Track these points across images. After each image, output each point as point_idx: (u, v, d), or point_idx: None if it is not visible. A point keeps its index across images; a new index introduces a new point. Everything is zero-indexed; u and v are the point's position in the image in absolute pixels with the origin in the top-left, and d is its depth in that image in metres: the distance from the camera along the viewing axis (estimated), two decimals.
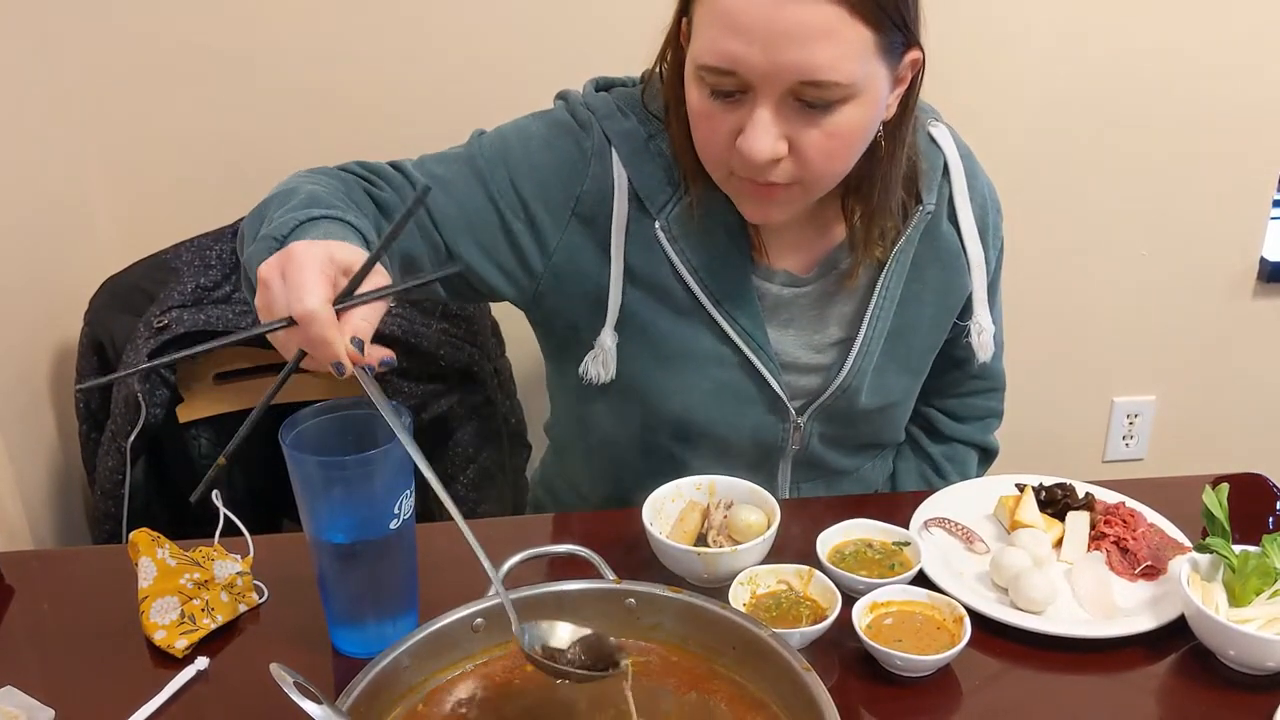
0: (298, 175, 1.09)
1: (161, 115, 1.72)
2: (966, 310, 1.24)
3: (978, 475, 1.43)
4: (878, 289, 1.17)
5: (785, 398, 1.20)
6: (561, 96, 1.18)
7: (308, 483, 0.92)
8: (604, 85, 1.18)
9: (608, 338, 1.16)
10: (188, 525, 1.53)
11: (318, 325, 0.78)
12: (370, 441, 0.92)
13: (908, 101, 1.07)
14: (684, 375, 1.18)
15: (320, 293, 0.78)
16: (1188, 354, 2.19)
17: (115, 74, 1.68)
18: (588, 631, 0.84)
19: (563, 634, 0.84)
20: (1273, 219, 2.11)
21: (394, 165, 1.14)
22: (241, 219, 1.50)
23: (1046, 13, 1.86)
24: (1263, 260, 2.11)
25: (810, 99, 0.96)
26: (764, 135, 0.97)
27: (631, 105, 1.14)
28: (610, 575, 0.94)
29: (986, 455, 1.44)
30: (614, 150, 1.12)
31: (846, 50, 0.94)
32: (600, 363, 1.16)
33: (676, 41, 1.06)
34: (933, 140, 1.19)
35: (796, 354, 1.20)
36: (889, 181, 1.11)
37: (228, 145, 1.74)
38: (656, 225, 1.12)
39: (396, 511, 0.94)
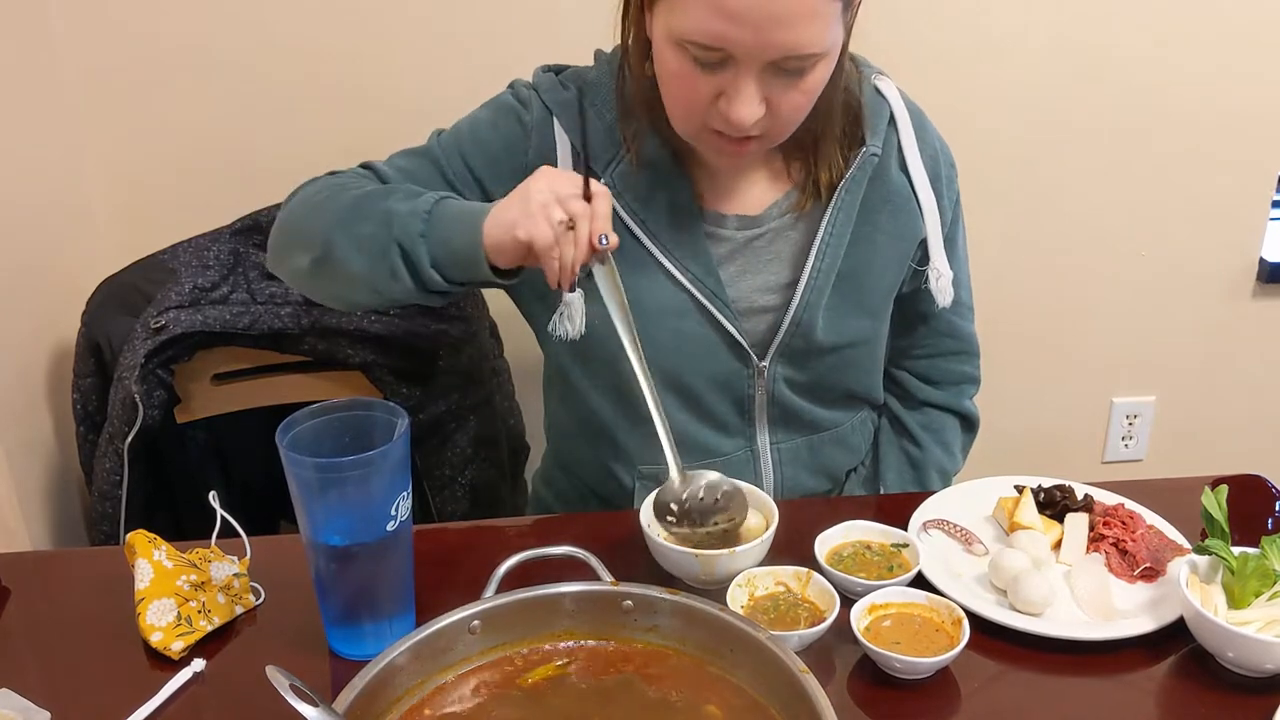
0: (316, 183, 1.21)
1: (159, 115, 1.72)
2: (925, 258, 1.27)
3: (962, 447, 1.44)
4: (823, 226, 1.21)
5: (745, 343, 1.23)
6: (511, 85, 1.25)
7: (304, 485, 0.91)
8: (552, 69, 1.25)
9: (569, 294, 1.17)
10: (185, 527, 1.53)
11: (601, 200, 1.02)
12: (367, 443, 0.92)
13: (848, 28, 1.12)
14: (644, 328, 1.18)
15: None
16: (1187, 355, 2.19)
17: (113, 74, 1.68)
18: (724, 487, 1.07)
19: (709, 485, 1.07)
20: (1272, 220, 2.10)
21: (366, 166, 1.23)
22: (239, 220, 1.52)
23: (1045, 12, 1.86)
24: (1262, 261, 2.11)
25: (790, 68, 1.03)
26: (749, 103, 1.04)
27: (573, 79, 1.22)
28: (607, 577, 0.94)
29: (968, 424, 1.44)
30: (555, 119, 1.19)
31: (825, 24, 1.01)
32: (566, 318, 1.19)
33: (640, 11, 1.10)
34: (879, 92, 1.24)
35: (752, 298, 1.23)
36: (831, 106, 1.16)
37: (226, 145, 1.74)
38: (601, 182, 1.15)
39: (393, 513, 0.93)
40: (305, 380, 1.54)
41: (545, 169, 1.04)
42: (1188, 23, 1.90)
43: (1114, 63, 1.91)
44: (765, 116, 1.06)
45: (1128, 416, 2.24)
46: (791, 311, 1.22)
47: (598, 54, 1.24)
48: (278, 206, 1.47)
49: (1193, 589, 0.98)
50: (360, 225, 1.10)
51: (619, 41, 1.17)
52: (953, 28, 1.84)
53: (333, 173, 1.23)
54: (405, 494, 0.95)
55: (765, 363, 1.25)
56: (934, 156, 1.27)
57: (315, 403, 0.96)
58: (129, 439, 1.43)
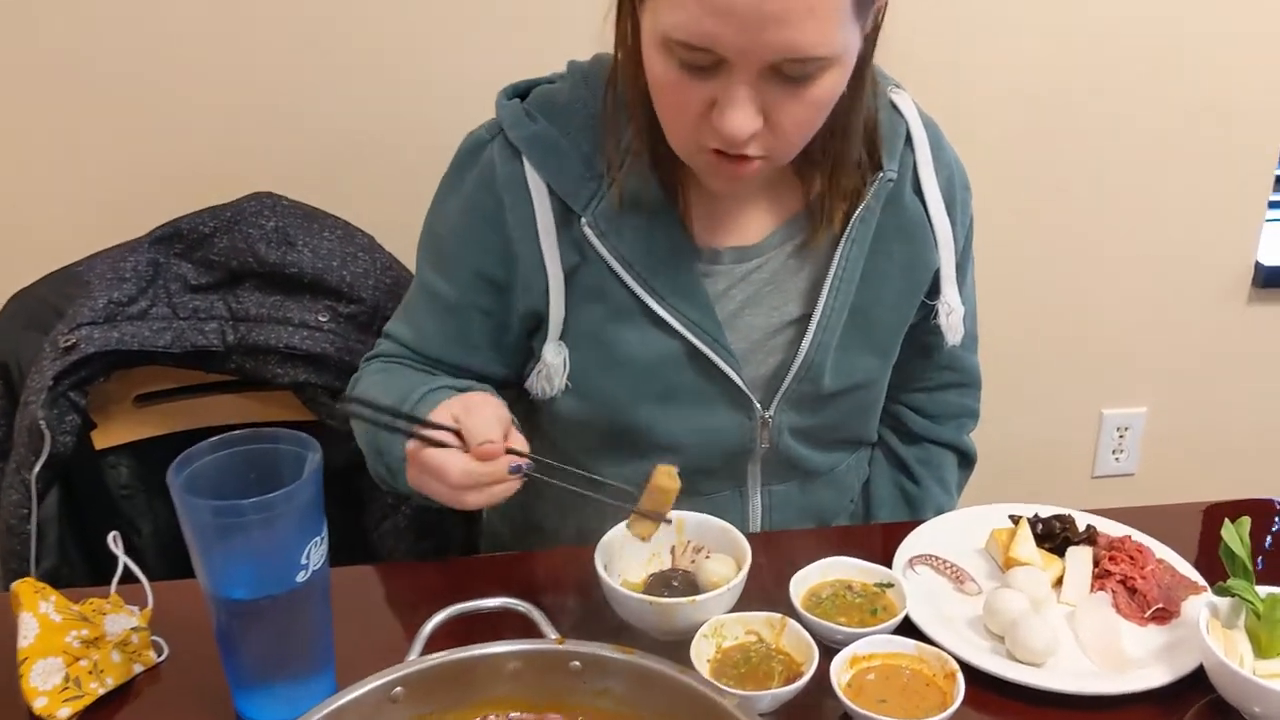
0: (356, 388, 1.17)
1: (74, 120, 1.60)
2: (935, 290, 1.18)
3: (958, 484, 1.36)
4: (837, 258, 1.10)
5: (748, 391, 1.12)
6: (466, 142, 1.14)
7: (200, 531, 0.80)
8: (521, 90, 1.13)
9: (549, 352, 1.11)
10: (105, 563, 1.40)
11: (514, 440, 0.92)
12: (274, 482, 0.80)
13: (871, 40, 1.01)
14: (636, 382, 1.11)
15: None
16: (1180, 363, 2.13)
17: (18, 77, 1.56)
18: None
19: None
20: (1268, 222, 2.06)
21: (385, 335, 1.19)
22: (159, 227, 1.41)
23: (1037, 12, 1.81)
24: (1258, 265, 2.06)
25: (791, 73, 0.92)
26: (742, 112, 0.92)
27: (541, 106, 1.10)
28: (552, 634, 0.83)
29: (965, 460, 1.35)
30: (524, 159, 1.08)
31: (829, 23, 0.90)
32: (545, 378, 1.12)
33: (632, 14, 0.98)
34: (895, 108, 1.13)
35: (753, 338, 1.13)
36: (850, 129, 1.06)
37: (144, 151, 1.62)
38: (583, 222, 1.07)
39: (304, 562, 0.82)
40: (234, 401, 1.42)
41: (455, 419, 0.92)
42: (1182, 24, 1.85)
43: (1106, 65, 1.86)
44: (765, 132, 0.95)
45: (1118, 428, 2.18)
46: (802, 354, 1.11)
47: (571, 66, 1.12)
48: (200, 212, 1.39)
49: (1214, 635, 0.88)
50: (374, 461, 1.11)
51: (605, 49, 1.05)
52: (943, 26, 1.78)
53: (369, 358, 1.19)
54: (319, 539, 0.83)
55: (770, 412, 1.14)
56: (949, 177, 1.16)
57: (245, 425, 0.86)
58: (36, 468, 1.30)
